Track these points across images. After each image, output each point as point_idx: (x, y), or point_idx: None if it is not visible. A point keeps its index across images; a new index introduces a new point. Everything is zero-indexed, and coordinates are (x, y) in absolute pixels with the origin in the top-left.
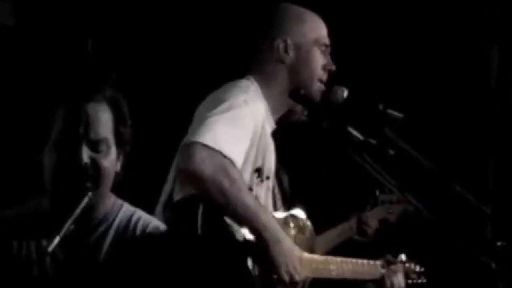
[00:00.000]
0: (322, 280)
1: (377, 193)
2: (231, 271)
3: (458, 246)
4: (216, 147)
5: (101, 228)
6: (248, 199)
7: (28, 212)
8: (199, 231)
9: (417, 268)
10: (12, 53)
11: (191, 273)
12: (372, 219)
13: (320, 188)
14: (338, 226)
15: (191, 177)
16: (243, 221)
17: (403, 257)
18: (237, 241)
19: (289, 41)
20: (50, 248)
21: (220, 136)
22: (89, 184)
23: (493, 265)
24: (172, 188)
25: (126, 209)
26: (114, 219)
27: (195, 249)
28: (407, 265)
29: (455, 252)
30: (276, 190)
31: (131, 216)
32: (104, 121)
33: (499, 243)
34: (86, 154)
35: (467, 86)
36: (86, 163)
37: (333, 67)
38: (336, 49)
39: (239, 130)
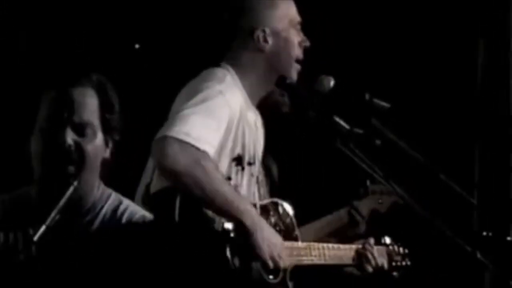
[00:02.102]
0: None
1: (368, 183)
2: (209, 262)
3: (445, 236)
4: (189, 140)
5: (88, 218)
6: (225, 189)
7: (15, 200)
8: (177, 222)
9: (401, 250)
10: None
11: (173, 264)
12: (363, 209)
13: (310, 178)
14: (327, 215)
15: (166, 172)
16: (222, 212)
17: (387, 239)
18: (215, 231)
19: (267, 30)
20: (36, 237)
21: (193, 129)
22: (71, 168)
23: (479, 255)
24: (150, 180)
25: (114, 198)
26: (101, 209)
27: (174, 241)
28: (390, 247)
29: (442, 243)
30: (261, 177)
31: (118, 206)
32: (89, 105)
33: (485, 233)
34: (70, 137)
35: (453, 76)
36: (69, 145)
37: (308, 43)
38: (323, 39)
39: (214, 121)
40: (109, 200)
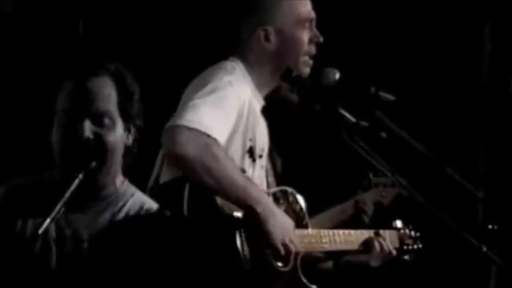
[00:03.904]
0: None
1: (371, 175)
2: (219, 251)
3: (450, 229)
4: (200, 128)
5: (109, 211)
6: (236, 176)
7: (41, 181)
8: (186, 212)
9: (412, 234)
10: (11, 38)
11: (182, 254)
12: (368, 202)
13: (314, 171)
14: (332, 208)
15: (177, 160)
16: (233, 199)
17: (398, 223)
18: (225, 219)
19: (269, 29)
20: (41, 230)
21: (203, 118)
22: (93, 164)
23: (484, 248)
24: (158, 173)
25: (138, 197)
26: (124, 205)
27: (183, 231)
28: (402, 231)
29: (447, 236)
30: (268, 166)
31: (142, 206)
32: (106, 94)
33: (490, 226)
34: (88, 130)
35: (459, 69)
36: (88, 138)
37: (321, 39)
38: (328, 31)
39: (224, 111)
40: (133, 197)
